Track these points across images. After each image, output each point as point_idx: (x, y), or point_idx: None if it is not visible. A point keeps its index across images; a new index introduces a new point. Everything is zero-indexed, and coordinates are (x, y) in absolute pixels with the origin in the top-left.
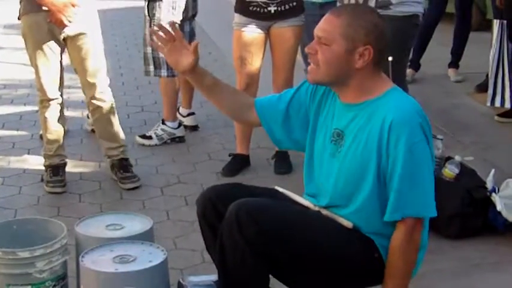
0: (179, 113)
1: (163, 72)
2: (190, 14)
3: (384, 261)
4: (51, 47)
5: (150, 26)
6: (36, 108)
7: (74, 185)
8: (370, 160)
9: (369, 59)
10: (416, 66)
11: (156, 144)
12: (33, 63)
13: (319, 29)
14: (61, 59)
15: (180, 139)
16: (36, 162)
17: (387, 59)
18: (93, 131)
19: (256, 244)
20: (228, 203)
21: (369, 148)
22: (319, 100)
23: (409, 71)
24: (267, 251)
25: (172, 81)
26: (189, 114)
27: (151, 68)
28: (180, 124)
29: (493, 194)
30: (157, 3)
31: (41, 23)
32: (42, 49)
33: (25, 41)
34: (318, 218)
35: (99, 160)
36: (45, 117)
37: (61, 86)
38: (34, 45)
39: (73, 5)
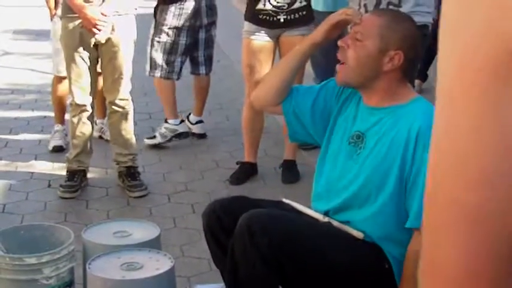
0: (188, 121)
1: (157, 73)
2: (205, 21)
3: (393, 272)
4: (82, 53)
5: (155, 28)
6: (43, 114)
7: (82, 192)
8: (393, 165)
9: (398, 63)
10: (423, 77)
11: (159, 143)
12: (65, 67)
13: (361, 24)
14: (94, 67)
15: (184, 135)
16: (43, 168)
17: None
18: (100, 137)
19: (268, 255)
20: (233, 216)
21: (392, 153)
22: (343, 101)
23: (416, 81)
24: (278, 262)
25: (208, 78)
26: (197, 122)
27: (148, 67)
28: (182, 120)
29: None
30: (164, 7)
31: (74, 28)
32: (72, 54)
33: (61, 43)
34: (329, 230)
35: (106, 167)
36: (72, 122)
37: (92, 94)
38: (66, 49)
39: (103, 14)
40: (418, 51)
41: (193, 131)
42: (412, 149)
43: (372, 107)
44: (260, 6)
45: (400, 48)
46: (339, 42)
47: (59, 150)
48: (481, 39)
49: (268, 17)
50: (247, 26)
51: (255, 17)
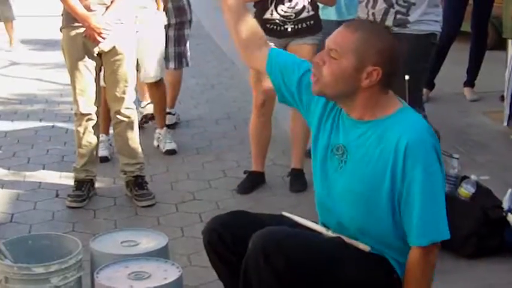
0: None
1: (171, 65)
2: (173, 21)
3: (401, 280)
4: (86, 62)
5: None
6: (51, 123)
7: (89, 201)
8: (383, 181)
9: (376, 79)
10: (430, 85)
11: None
12: (69, 76)
13: (331, 41)
14: (97, 76)
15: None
16: (51, 178)
17: (404, 78)
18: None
19: (284, 274)
20: (234, 232)
21: (380, 168)
22: (324, 104)
23: (423, 90)
24: (294, 282)
25: (179, 73)
26: (167, 114)
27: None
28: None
29: (509, 214)
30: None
31: (77, 37)
32: (76, 63)
33: (63, 54)
34: (340, 245)
35: (114, 176)
36: (77, 131)
37: (97, 103)
38: (69, 59)
39: (107, 23)
40: (397, 63)
41: (144, 113)
42: (402, 164)
43: (355, 120)
44: (267, 15)
45: (377, 63)
46: (314, 59)
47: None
48: None
49: (275, 27)
50: None
51: (263, 26)
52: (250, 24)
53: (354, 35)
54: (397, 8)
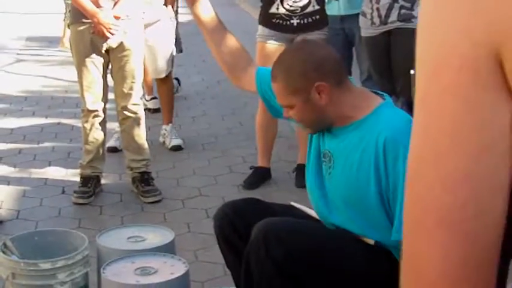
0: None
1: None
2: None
3: None
4: (93, 59)
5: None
6: (57, 120)
7: (95, 197)
8: (368, 182)
9: (328, 90)
10: None
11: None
12: (77, 73)
13: (277, 99)
14: (105, 73)
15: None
16: (57, 174)
17: (409, 72)
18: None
19: (284, 266)
20: (245, 219)
21: (365, 169)
22: None
23: None
24: (294, 272)
25: None
26: (152, 99)
27: None
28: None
29: None
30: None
31: (84, 33)
32: (84, 60)
33: (71, 50)
34: (344, 237)
35: (120, 172)
36: (84, 127)
37: (104, 99)
38: (77, 55)
39: (116, 17)
40: (328, 62)
41: (148, 106)
42: (383, 163)
43: (338, 128)
44: (273, 10)
45: (314, 81)
46: (284, 115)
47: (177, 149)
48: (458, 38)
49: (281, 21)
50: (261, 30)
51: (269, 21)
52: (231, 45)
53: (278, 83)
54: (401, 2)
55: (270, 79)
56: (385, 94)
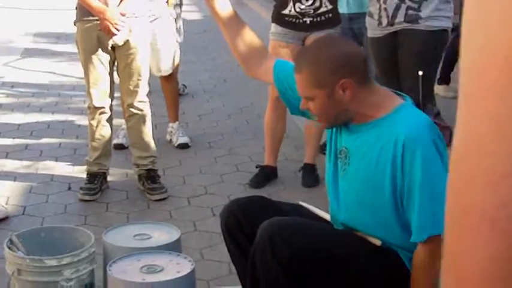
0: None
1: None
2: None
3: None
4: (100, 56)
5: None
6: (64, 116)
7: (102, 194)
8: (383, 180)
9: (353, 87)
10: (447, 81)
11: None
12: (83, 70)
13: (298, 90)
14: (111, 70)
15: None
16: (63, 171)
17: (417, 73)
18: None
19: (290, 267)
20: (251, 216)
21: (381, 167)
22: None
23: (441, 86)
24: (299, 273)
25: None
26: None
27: None
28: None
29: None
30: None
31: (91, 30)
32: (90, 57)
33: (77, 47)
34: (350, 238)
35: (126, 169)
36: (90, 124)
37: (111, 96)
38: (83, 52)
39: (122, 14)
40: (357, 59)
41: None
42: (400, 163)
43: (356, 125)
44: (286, 11)
45: (341, 77)
46: (301, 107)
47: (184, 147)
48: (497, 40)
49: (294, 19)
50: (273, 28)
51: (282, 19)
52: (247, 38)
53: (302, 75)
54: (408, 3)
55: (288, 71)
56: (405, 95)
